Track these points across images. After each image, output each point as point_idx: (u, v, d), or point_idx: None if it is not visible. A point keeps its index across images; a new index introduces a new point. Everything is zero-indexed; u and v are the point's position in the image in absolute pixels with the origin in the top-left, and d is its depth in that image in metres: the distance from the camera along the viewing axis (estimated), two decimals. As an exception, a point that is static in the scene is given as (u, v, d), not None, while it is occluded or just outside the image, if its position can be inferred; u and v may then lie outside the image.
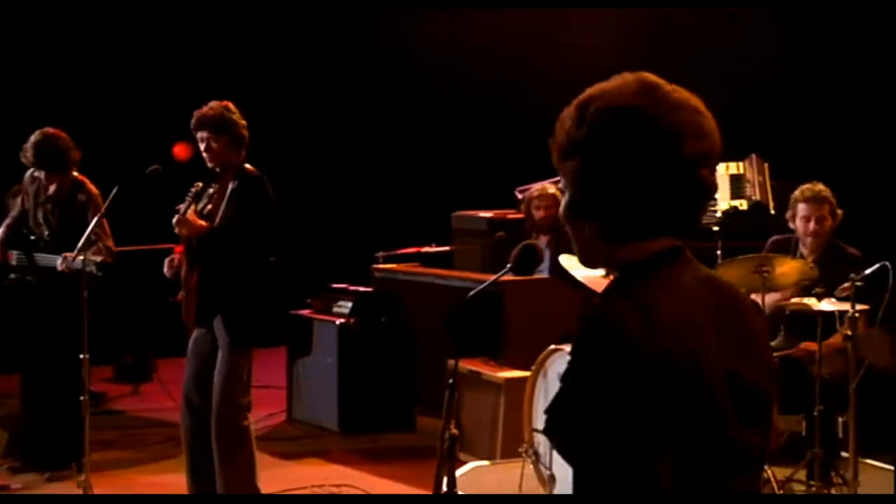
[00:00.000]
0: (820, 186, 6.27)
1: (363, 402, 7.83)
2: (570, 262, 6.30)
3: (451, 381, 2.38)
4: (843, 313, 5.79)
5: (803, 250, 6.34)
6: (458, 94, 9.89)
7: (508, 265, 2.65)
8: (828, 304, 5.77)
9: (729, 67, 8.92)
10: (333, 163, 10.18)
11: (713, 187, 1.86)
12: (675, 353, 1.73)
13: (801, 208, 6.26)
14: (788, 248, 6.34)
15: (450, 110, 9.91)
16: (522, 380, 6.72)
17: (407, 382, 7.92)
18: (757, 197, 7.47)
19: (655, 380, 1.70)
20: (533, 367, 6.12)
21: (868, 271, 5.64)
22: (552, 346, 6.04)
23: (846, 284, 5.77)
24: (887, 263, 5.59)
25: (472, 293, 2.70)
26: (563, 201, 1.88)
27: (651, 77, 1.86)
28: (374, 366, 7.88)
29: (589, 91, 1.87)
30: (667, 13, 8.98)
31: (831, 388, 5.78)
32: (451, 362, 2.71)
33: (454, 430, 2.38)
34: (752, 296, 5.95)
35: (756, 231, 7.08)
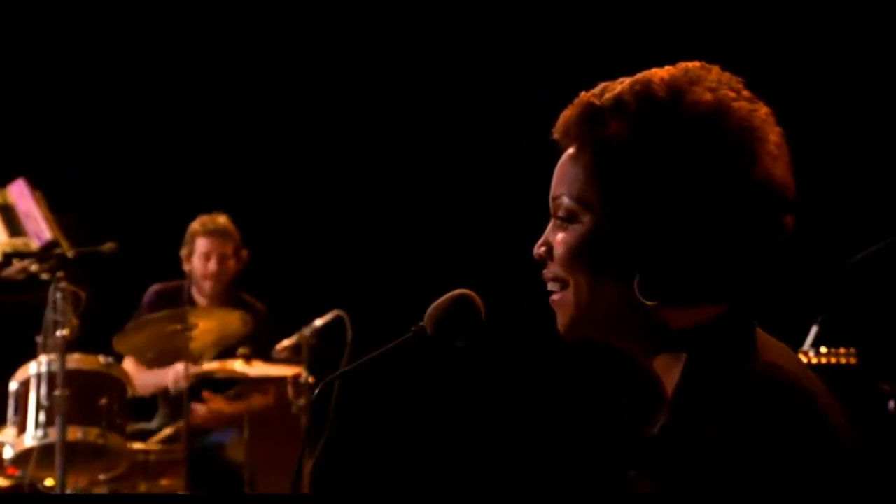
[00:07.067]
0: (223, 219, 4.85)
1: None
2: None
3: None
4: (293, 377, 4.43)
5: (200, 300, 4.84)
6: None
7: (417, 326, 1.29)
8: (265, 368, 4.40)
9: None
10: None
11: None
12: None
13: (202, 244, 4.78)
14: (181, 297, 4.77)
15: None
16: None
17: None
18: (48, 235, 5.46)
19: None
20: None
21: (319, 322, 4.37)
22: None
23: (286, 342, 4.44)
24: (342, 313, 4.37)
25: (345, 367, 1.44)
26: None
27: (718, 71, 1.42)
28: None
29: (639, 78, 1.39)
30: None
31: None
32: None
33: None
34: (178, 366, 4.40)
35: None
